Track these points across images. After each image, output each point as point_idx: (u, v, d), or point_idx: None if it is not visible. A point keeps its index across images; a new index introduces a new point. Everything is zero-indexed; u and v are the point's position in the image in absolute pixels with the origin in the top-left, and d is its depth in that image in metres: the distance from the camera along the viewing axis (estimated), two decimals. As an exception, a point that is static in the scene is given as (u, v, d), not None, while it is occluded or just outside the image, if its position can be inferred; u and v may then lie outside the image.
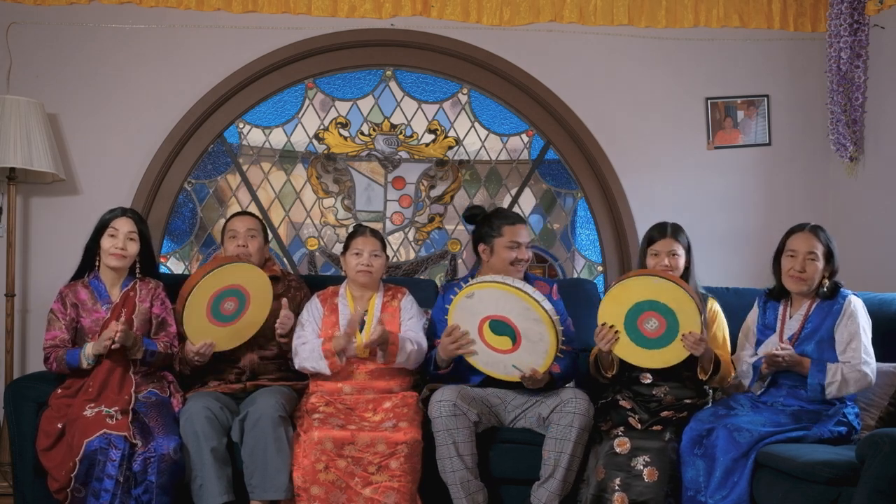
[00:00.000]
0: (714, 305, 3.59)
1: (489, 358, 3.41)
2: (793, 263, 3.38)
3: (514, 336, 3.33)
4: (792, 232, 3.45)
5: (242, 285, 3.47)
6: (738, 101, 4.78)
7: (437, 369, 3.54)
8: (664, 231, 3.55)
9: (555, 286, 3.72)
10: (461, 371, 3.54)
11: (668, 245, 3.51)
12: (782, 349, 3.27)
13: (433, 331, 3.69)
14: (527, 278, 3.67)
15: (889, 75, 4.37)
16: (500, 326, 3.35)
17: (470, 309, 3.37)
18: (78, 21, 4.48)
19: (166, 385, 3.53)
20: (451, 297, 3.41)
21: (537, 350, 3.32)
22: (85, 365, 3.36)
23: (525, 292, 3.28)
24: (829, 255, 3.38)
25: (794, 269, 3.37)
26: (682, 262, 3.53)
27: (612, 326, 3.35)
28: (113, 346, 3.30)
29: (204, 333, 3.45)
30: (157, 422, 3.28)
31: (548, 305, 3.29)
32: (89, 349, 3.35)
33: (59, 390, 3.39)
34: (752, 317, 3.55)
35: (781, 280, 3.44)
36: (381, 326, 3.44)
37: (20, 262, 4.33)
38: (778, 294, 3.49)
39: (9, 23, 4.41)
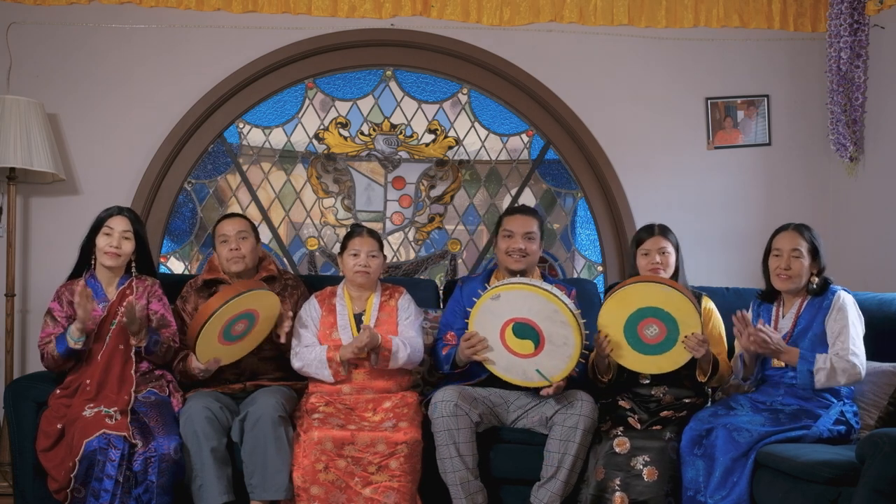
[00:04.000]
0: (709, 304, 3.59)
1: (508, 363, 3.38)
2: (778, 262, 3.41)
3: (538, 340, 3.31)
4: (777, 232, 3.49)
5: (255, 309, 3.46)
6: (738, 101, 4.78)
7: (455, 368, 3.52)
8: (652, 230, 3.59)
9: (574, 292, 3.65)
10: (469, 368, 3.52)
11: (657, 243, 3.54)
12: (771, 330, 3.29)
13: (447, 322, 3.66)
14: (547, 280, 3.65)
15: (889, 75, 4.37)
16: (524, 330, 3.32)
17: (494, 311, 3.34)
18: (78, 21, 4.48)
19: (166, 385, 3.52)
20: (475, 298, 3.38)
21: (560, 354, 3.30)
22: (72, 344, 3.31)
23: (553, 294, 3.26)
24: (814, 252, 3.40)
25: (780, 267, 3.40)
26: (672, 259, 3.55)
27: (606, 336, 3.37)
28: (121, 319, 3.27)
29: (212, 352, 3.43)
30: (157, 422, 3.28)
31: (574, 309, 3.28)
32: (73, 327, 3.32)
33: (59, 390, 3.39)
34: None
35: (770, 281, 3.46)
36: (367, 330, 3.41)
37: (20, 262, 4.33)
38: (769, 295, 3.51)
39: (9, 23, 4.41)
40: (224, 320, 3.37)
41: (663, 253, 3.53)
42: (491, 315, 3.35)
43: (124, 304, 3.28)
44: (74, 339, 3.33)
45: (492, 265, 3.81)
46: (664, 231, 3.58)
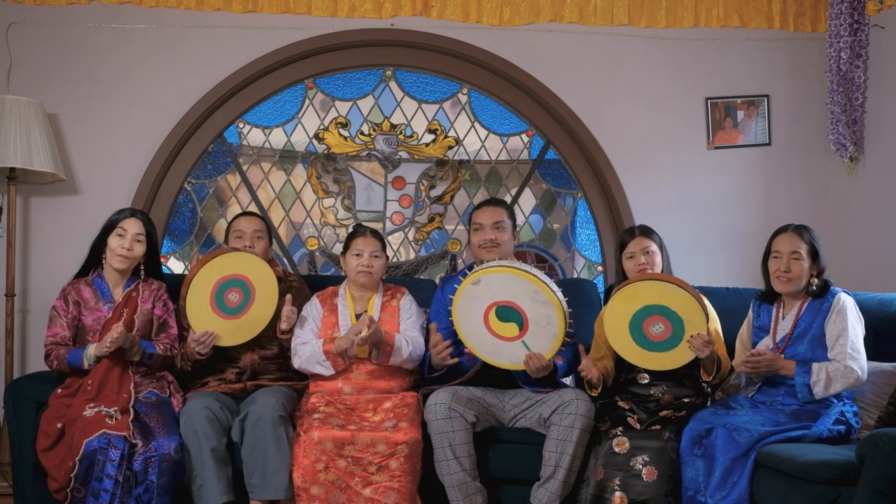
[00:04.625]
0: (703, 300, 3.58)
1: (494, 347, 3.39)
2: (778, 265, 3.39)
3: (522, 321, 3.32)
4: (776, 234, 3.47)
5: (248, 277, 3.47)
6: (738, 101, 4.78)
7: (432, 372, 3.54)
8: (633, 232, 3.61)
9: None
10: (455, 366, 3.52)
11: (641, 244, 3.54)
12: (758, 353, 3.28)
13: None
14: None
15: (889, 75, 4.37)
16: (507, 312, 3.33)
17: (476, 296, 3.35)
18: (78, 21, 4.48)
19: (166, 385, 3.53)
20: (456, 285, 3.40)
21: (546, 334, 3.31)
22: (86, 366, 3.36)
23: (534, 274, 3.28)
24: (814, 254, 3.39)
25: (780, 269, 3.38)
26: (658, 258, 3.56)
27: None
28: (108, 348, 3.30)
29: (207, 323, 3.45)
30: (157, 422, 3.28)
31: (555, 287, 3.29)
32: (92, 350, 3.35)
33: (59, 390, 3.39)
34: (748, 322, 3.56)
35: (770, 283, 3.45)
36: (375, 324, 3.43)
37: (20, 262, 4.33)
38: (769, 296, 3.50)
39: (9, 23, 4.41)
40: (214, 280, 3.40)
41: (647, 252, 3.53)
42: (473, 300, 3.36)
43: (115, 335, 3.28)
44: (90, 362, 3.36)
45: (472, 263, 3.82)
46: (646, 231, 3.59)
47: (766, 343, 3.41)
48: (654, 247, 3.55)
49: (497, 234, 3.62)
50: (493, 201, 3.83)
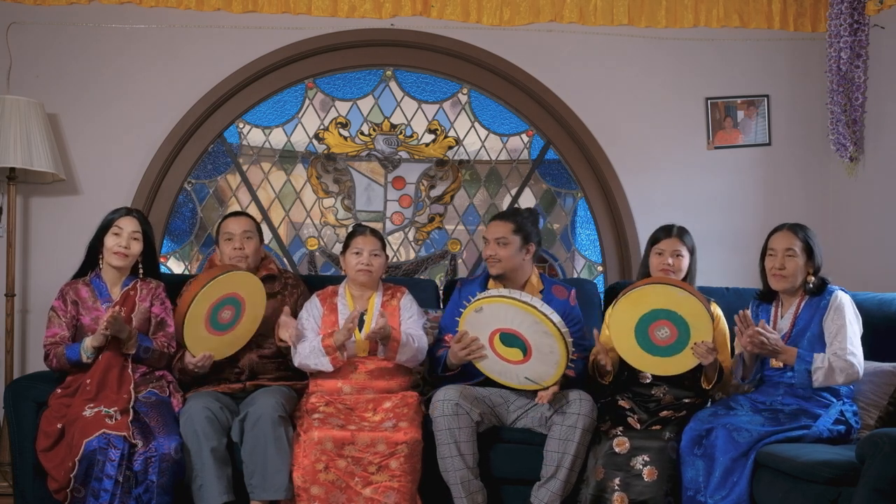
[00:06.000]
0: (717, 310, 3.58)
1: (502, 368, 3.40)
2: (773, 262, 3.42)
3: (525, 348, 3.32)
4: (772, 232, 3.49)
5: (238, 293, 3.47)
6: (738, 101, 4.78)
7: (446, 371, 3.53)
8: (670, 231, 3.59)
9: (573, 292, 3.68)
10: (468, 369, 3.53)
11: (673, 245, 3.53)
12: (768, 330, 3.27)
13: (445, 325, 3.67)
14: (545, 280, 3.69)
15: (889, 75, 4.37)
16: (511, 339, 3.33)
17: (480, 322, 3.35)
18: (78, 21, 4.48)
19: (166, 385, 3.52)
20: (466, 303, 3.40)
21: (548, 361, 3.31)
22: (84, 359, 3.35)
23: (533, 306, 3.26)
24: (808, 251, 3.40)
25: (775, 266, 3.40)
26: (685, 263, 3.54)
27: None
28: (103, 332, 3.29)
29: (203, 344, 3.44)
30: (157, 421, 3.28)
31: (556, 318, 3.27)
32: (88, 342, 3.34)
33: (59, 390, 3.39)
34: None
35: (767, 281, 3.46)
36: (383, 318, 3.43)
37: (20, 262, 4.33)
38: (767, 296, 3.52)
39: (9, 23, 4.41)
40: (207, 306, 3.39)
41: (677, 255, 3.53)
42: (477, 325, 3.37)
43: (107, 316, 3.28)
44: (87, 355, 3.35)
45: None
46: (682, 233, 3.59)
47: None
48: (684, 251, 3.55)
49: (498, 250, 3.59)
50: (502, 215, 3.71)
